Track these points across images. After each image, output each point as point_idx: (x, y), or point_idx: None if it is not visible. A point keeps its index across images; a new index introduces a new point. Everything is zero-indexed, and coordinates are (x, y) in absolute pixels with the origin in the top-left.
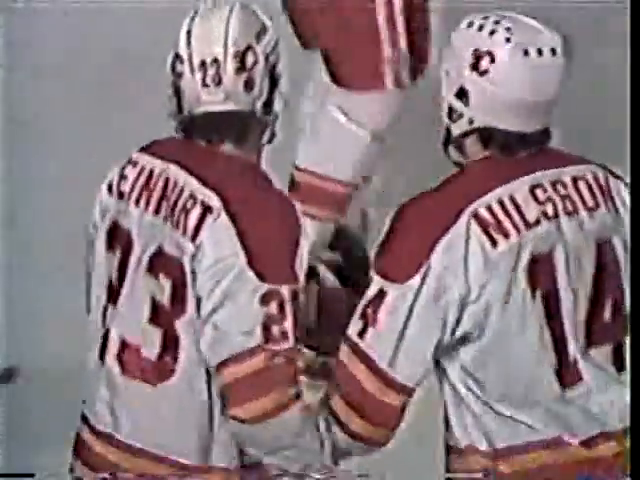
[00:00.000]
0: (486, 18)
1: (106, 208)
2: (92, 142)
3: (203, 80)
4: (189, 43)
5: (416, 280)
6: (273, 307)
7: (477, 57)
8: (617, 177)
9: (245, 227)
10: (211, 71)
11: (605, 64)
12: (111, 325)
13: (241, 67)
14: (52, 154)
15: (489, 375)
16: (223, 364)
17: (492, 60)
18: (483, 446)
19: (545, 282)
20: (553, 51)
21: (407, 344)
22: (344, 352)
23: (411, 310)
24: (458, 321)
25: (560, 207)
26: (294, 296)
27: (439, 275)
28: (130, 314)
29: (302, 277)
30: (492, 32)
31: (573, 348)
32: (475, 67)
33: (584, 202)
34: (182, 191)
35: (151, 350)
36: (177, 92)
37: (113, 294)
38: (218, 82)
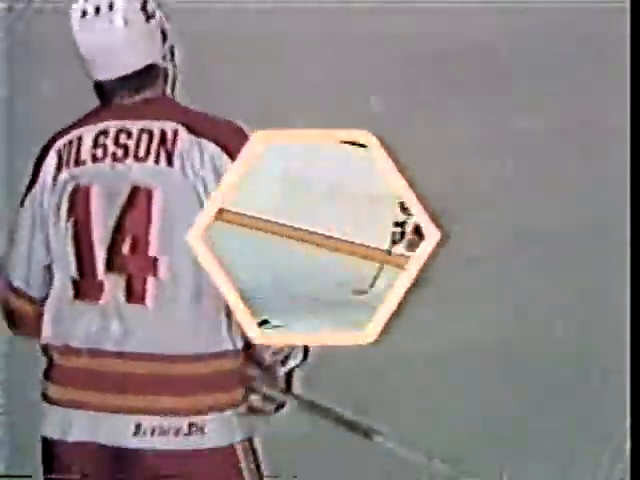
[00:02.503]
0: None
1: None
2: None
3: None
4: None
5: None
6: None
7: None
8: (197, 136)
9: None
10: None
11: (605, 64)
12: None
13: None
14: None
15: None
16: None
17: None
18: None
19: (79, 211)
20: (96, 10)
21: None
22: None
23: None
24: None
25: (110, 153)
26: None
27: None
28: None
29: None
30: None
31: (100, 271)
32: None
33: (137, 152)
34: None
35: None
36: None
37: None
38: None
